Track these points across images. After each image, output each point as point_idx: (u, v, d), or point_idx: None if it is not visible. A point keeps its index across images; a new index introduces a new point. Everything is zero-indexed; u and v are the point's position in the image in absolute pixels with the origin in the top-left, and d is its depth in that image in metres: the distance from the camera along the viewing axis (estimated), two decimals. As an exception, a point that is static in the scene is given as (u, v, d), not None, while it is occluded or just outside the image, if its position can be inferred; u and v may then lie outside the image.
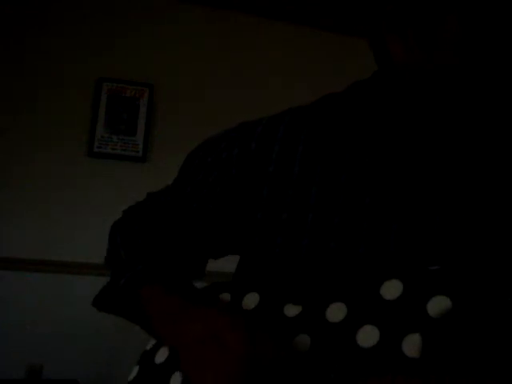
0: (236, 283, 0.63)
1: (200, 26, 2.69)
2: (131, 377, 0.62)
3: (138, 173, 2.50)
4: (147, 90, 2.56)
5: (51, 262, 2.33)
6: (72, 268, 2.35)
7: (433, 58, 0.54)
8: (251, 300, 0.57)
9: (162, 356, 0.60)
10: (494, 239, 0.53)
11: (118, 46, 2.56)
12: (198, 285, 0.68)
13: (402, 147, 0.58)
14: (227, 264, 0.83)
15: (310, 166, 0.61)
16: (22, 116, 2.40)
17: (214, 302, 0.61)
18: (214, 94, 2.64)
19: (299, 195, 0.61)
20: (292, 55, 2.79)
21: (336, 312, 0.51)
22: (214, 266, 0.78)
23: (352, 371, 0.47)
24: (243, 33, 2.75)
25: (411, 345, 0.45)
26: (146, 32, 2.60)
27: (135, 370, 0.62)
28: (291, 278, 0.59)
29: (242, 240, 0.66)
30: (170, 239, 0.71)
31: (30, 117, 2.41)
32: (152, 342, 0.63)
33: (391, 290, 0.49)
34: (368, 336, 0.48)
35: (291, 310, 0.54)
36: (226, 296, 0.61)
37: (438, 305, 0.46)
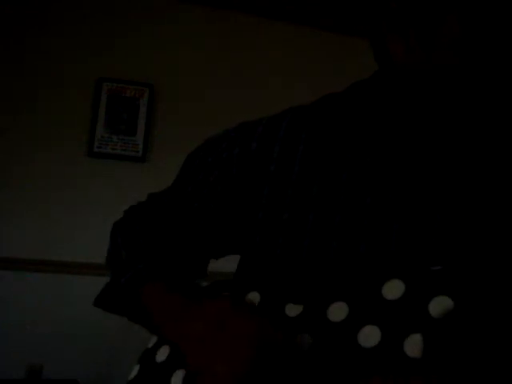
0: (237, 282, 0.63)
1: (200, 26, 2.69)
2: (132, 375, 0.62)
3: (138, 173, 2.50)
4: (147, 90, 2.56)
5: (51, 261, 2.33)
6: (72, 268, 2.35)
7: (432, 57, 0.54)
8: (252, 299, 0.57)
9: (163, 355, 0.60)
10: (495, 239, 0.53)
11: (118, 46, 2.56)
12: (199, 285, 0.68)
13: (402, 146, 0.58)
14: (228, 264, 0.83)
15: (310, 165, 0.61)
16: (21, 116, 2.40)
17: (216, 296, 0.61)
18: (213, 94, 2.64)
19: (300, 194, 0.61)
20: (292, 55, 2.79)
21: (337, 312, 0.51)
22: (214, 266, 0.78)
23: (353, 371, 0.47)
24: (243, 33, 2.75)
25: (413, 345, 0.45)
26: (146, 32, 2.60)
27: (136, 368, 0.62)
28: (292, 277, 0.59)
29: (242, 239, 0.66)
30: (171, 239, 0.71)
31: (30, 117, 2.41)
32: (153, 340, 0.63)
33: (393, 290, 0.49)
34: (369, 336, 0.48)
35: (292, 310, 0.54)
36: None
37: (439, 305, 0.46)
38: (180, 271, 0.68)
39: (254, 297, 0.57)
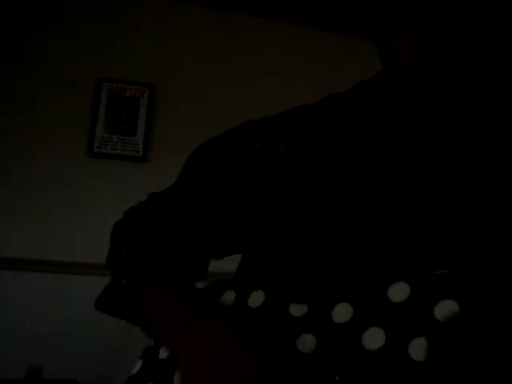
0: (240, 281, 0.63)
1: (200, 26, 2.68)
2: (135, 370, 0.62)
3: (138, 173, 2.50)
4: (147, 90, 2.56)
5: (51, 262, 2.33)
6: (72, 268, 2.35)
7: (439, 57, 0.54)
8: (257, 298, 0.57)
9: (165, 352, 0.60)
10: (498, 240, 0.53)
11: (118, 46, 2.56)
12: (200, 285, 0.68)
13: (406, 147, 0.58)
14: (228, 264, 0.83)
15: (315, 165, 0.61)
16: (21, 116, 2.40)
17: (214, 305, 0.61)
18: (213, 94, 2.63)
19: (304, 194, 0.60)
20: (292, 55, 2.78)
21: (342, 313, 0.51)
22: (214, 266, 0.77)
23: (357, 373, 0.47)
24: (243, 33, 2.74)
25: (418, 348, 0.45)
26: (146, 32, 2.60)
27: (138, 364, 0.62)
28: (296, 277, 0.59)
29: (245, 239, 0.66)
30: (172, 239, 0.71)
31: (30, 117, 2.41)
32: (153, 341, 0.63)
33: (398, 292, 0.49)
34: (374, 338, 0.47)
35: (297, 310, 0.54)
36: (231, 293, 0.60)
37: (445, 309, 0.45)
38: (180, 272, 0.68)
39: (259, 295, 0.57)
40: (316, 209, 0.59)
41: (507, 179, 0.55)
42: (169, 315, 0.60)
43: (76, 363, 2.23)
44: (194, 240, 0.71)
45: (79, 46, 2.51)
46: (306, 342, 0.51)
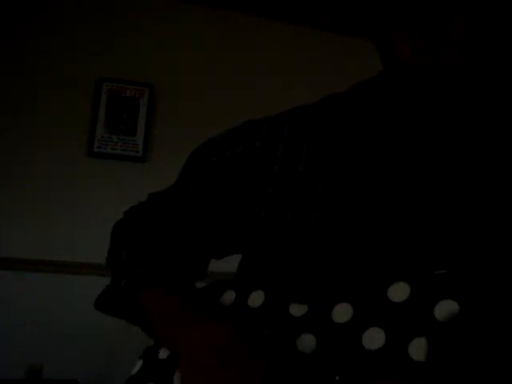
0: (240, 281, 0.63)
1: (200, 26, 2.68)
2: (134, 370, 0.62)
3: (138, 173, 2.50)
4: (147, 90, 2.56)
5: (51, 262, 2.33)
6: (72, 268, 2.34)
7: (438, 57, 0.54)
8: (257, 298, 0.57)
9: (165, 352, 0.60)
10: (498, 240, 0.53)
11: (118, 46, 2.56)
12: (200, 285, 0.68)
13: (406, 147, 0.58)
14: (228, 264, 0.83)
15: (315, 165, 0.61)
16: (22, 116, 2.40)
17: (214, 305, 0.61)
18: (214, 94, 2.63)
19: (304, 194, 0.60)
20: (292, 55, 2.78)
21: (342, 313, 0.51)
22: (214, 266, 0.77)
23: (357, 373, 0.47)
24: (243, 33, 2.74)
25: (418, 348, 0.45)
26: (146, 32, 2.60)
27: (138, 363, 0.62)
28: (296, 277, 0.59)
29: (245, 239, 0.66)
30: (172, 239, 0.71)
31: (30, 117, 2.41)
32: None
33: (398, 292, 0.49)
34: (374, 338, 0.47)
35: (297, 310, 0.54)
36: (231, 294, 0.60)
37: (445, 309, 0.45)
38: (180, 272, 0.68)
39: (259, 295, 0.57)
40: (316, 208, 0.59)
41: (507, 179, 0.55)
42: (169, 315, 0.60)
43: (76, 363, 2.23)
44: (193, 240, 0.71)
45: (79, 46, 2.51)
46: (306, 341, 0.51)
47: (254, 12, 2.71)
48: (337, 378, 0.48)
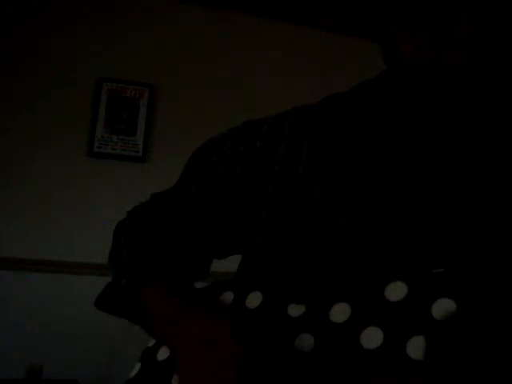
0: (239, 282, 0.63)
1: (200, 26, 2.69)
2: (133, 373, 0.62)
3: (138, 173, 2.50)
4: (147, 90, 2.56)
5: (51, 262, 2.33)
6: (72, 268, 2.35)
7: (443, 56, 0.54)
8: (255, 299, 0.57)
9: (164, 353, 0.60)
10: (496, 240, 0.53)
11: (118, 46, 2.56)
12: (200, 285, 0.68)
13: (407, 147, 0.58)
14: (228, 264, 0.83)
15: (315, 165, 0.61)
16: (22, 116, 2.40)
17: (214, 304, 0.61)
18: (213, 94, 2.64)
19: (304, 195, 0.60)
20: (292, 55, 2.78)
21: (340, 313, 0.51)
22: (214, 266, 0.77)
23: (356, 373, 0.47)
24: (243, 33, 2.74)
25: (416, 347, 0.45)
26: (146, 32, 2.60)
27: (137, 366, 0.62)
28: (295, 277, 0.59)
29: (245, 239, 0.66)
30: (174, 239, 0.71)
31: (30, 117, 2.41)
32: (153, 339, 0.63)
33: (396, 291, 0.49)
34: (372, 337, 0.47)
35: (295, 310, 0.54)
36: (229, 295, 0.60)
37: (442, 307, 0.46)
38: (182, 272, 0.68)
39: (257, 296, 0.57)
40: (316, 209, 0.59)
41: (507, 179, 0.55)
42: (169, 313, 0.60)
43: (76, 363, 2.24)
44: (195, 240, 0.71)
45: (79, 46, 2.51)
46: (305, 341, 0.51)
47: (254, 12, 2.71)
48: (335, 377, 0.48)
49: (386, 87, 0.63)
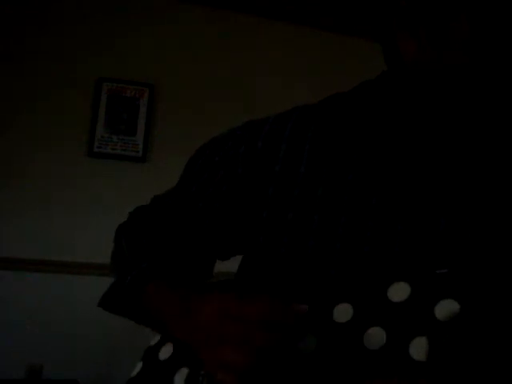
0: (239, 282, 0.62)
1: (200, 26, 2.68)
2: (134, 372, 0.62)
3: (138, 173, 2.50)
4: (147, 90, 2.56)
5: (51, 262, 2.33)
6: (72, 268, 2.35)
7: (443, 56, 0.54)
8: None
9: (166, 353, 0.59)
10: (499, 240, 0.53)
11: (118, 46, 2.56)
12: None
13: (408, 147, 0.58)
14: (228, 264, 0.83)
15: (316, 165, 0.61)
16: (21, 116, 2.40)
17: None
18: (213, 94, 2.64)
19: (305, 195, 0.60)
20: (292, 55, 2.78)
21: (342, 313, 0.50)
22: (216, 266, 0.77)
23: (358, 373, 0.47)
24: (243, 33, 2.74)
25: (418, 348, 0.45)
26: (146, 32, 2.60)
27: (138, 365, 0.62)
28: (297, 277, 0.59)
29: (247, 239, 0.66)
30: (176, 240, 0.71)
31: (30, 117, 2.41)
32: (156, 338, 0.63)
33: (399, 292, 0.49)
34: (375, 338, 0.47)
35: None
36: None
37: (445, 308, 0.45)
38: (185, 272, 0.68)
39: None
40: (318, 209, 0.59)
41: (509, 179, 0.55)
42: (181, 302, 0.58)
43: (76, 363, 2.24)
44: (197, 240, 0.71)
45: (79, 46, 2.51)
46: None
47: (254, 12, 2.71)
48: (337, 377, 0.48)
49: (386, 87, 0.63)
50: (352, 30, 2.75)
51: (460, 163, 0.56)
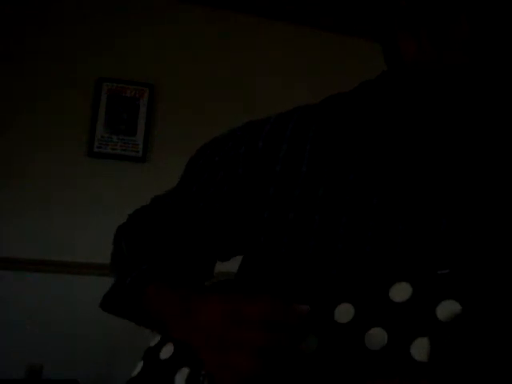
0: (239, 283, 0.62)
1: (200, 26, 2.69)
2: (135, 372, 0.62)
3: (138, 173, 2.50)
4: (147, 90, 2.56)
5: (51, 262, 2.33)
6: (72, 268, 2.35)
7: (443, 56, 0.54)
8: None
9: (167, 352, 0.59)
10: (501, 241, 0.52)
11: (118, 46, 2.56)
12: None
13: (410, 147, 0.58)
14: (228, 264, 0.83)
15: (317, 165, 0.61)
16: (22, 116, 2.40)
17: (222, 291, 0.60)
18: (213, 94, 2.64)
19: (306, 195, 0.60)
20: (292, 55, 2.78)
21: (344, 313, 0.50)
22: (216, 266, 0.77)
23: (359, 373, 0.47)
24: (243, 33, 2.74)
25: (420, 348, 0.45)
26: (146, 32, 2.60)
27: (139, 365, 0.62)
28: (298, 277, 0.59)
29: (247, 240, 0.66)
30: (176, 240, 0.71)
31: (30, 117, 2.41)
32: (156, 338, 0.63)
33: (400, 292, 0.49)
34: (376, 338, 0.47)
35: None
36: None
37: (447, 309, 0.45)
38: (185, 272, 0.68)
39: None
40: (319, 209, 0.59)
41: (509, 179, 0.55)
42: (181, 303, 0.58)
43: (76, 363, 2.24)
44: (198, 241, 0.71)
45: (79, 46, 2.51)
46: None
47: (254, 12, 2.71)
48: (339, 378, 0.48)
49: (387, 87, 0.63)
50: (352, 30, 2.75)
51: (461, 163, 0.56)
